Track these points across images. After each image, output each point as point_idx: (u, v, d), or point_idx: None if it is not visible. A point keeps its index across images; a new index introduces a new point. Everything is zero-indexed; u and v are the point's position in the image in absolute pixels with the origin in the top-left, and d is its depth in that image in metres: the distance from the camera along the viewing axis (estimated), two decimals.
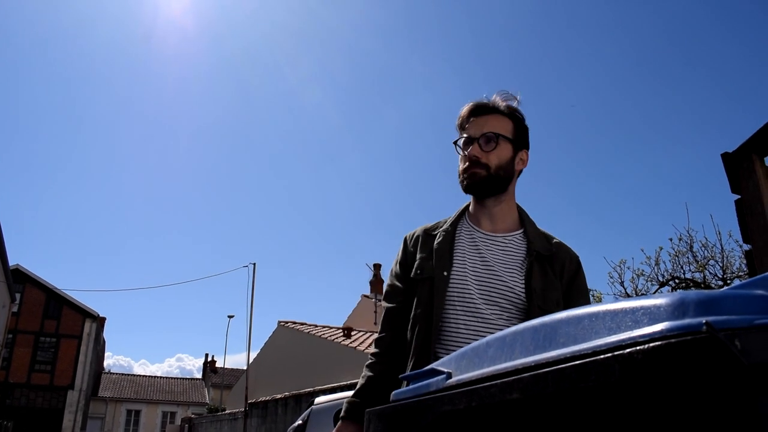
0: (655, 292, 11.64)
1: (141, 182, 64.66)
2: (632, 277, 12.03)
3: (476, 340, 1.53)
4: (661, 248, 11.75)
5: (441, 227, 1.75)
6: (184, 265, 65.56)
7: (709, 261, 11.04)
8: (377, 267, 26.77)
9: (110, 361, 64.67)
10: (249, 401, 17.93)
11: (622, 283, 12.01)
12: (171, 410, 41.09)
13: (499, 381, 0.83)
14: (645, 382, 0.63)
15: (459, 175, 1.69)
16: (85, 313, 35.41)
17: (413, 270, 1.70)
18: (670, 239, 11.57)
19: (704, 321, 0.56)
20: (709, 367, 0.57)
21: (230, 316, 31.38)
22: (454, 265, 1.64)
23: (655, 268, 11.67)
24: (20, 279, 33.25)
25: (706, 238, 11.70)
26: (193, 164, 67.21)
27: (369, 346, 16.47)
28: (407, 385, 1.18)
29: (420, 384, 1.14)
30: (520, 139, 1.70)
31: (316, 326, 20.83)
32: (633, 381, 0.64)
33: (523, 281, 1.58)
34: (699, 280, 11.17)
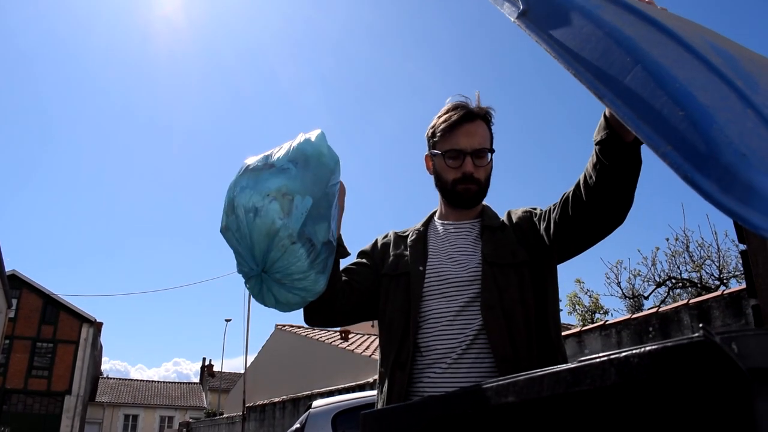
0: (651, 293, 11.65)
1: (137, 186, 64.57)
2: (629, 278, 12.06)
3: (449, 322, 1.59)
4: (658, 248, 11.76)
5: (413, 229, 1.85)
6: (180, 268, 65.44)
7: (705, 261, 11.05)
8: None
9: (106, 365, 64.41)
10: (247, 405, 17.86)
11: (619, 284, 12.02)
12: (169, 415, 40.95)
13: (494, 384, 0.83)
14: (641, 387, 0.63)
15: (446, 183, 1.74)
16: (82, 318, 35.28)
17: (386, 266, 1.77)
18: (667, 239, 11.58)
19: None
20: (706, 372, 0.57)
21: (227, 320, 31.22)
22: (429, 260, 1.72)
23: (652, 268, 11.68)
24: (17, 284, 33.10)
25: (702, 238, 11.71)
26: (189, 167, 67.15)
27: (366, 349, 16.46)
28: None
29: None
30: (492, 143, 1.76)
31: (314, 329, 20.78)
32: (629, 385, 0.63)
33: (479, 254, 1.67)
34: (696, 280, 11.19)
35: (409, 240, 1.80)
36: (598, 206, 1.42)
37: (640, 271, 12.08)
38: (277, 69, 69.21)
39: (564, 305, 12.48)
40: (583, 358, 0.71)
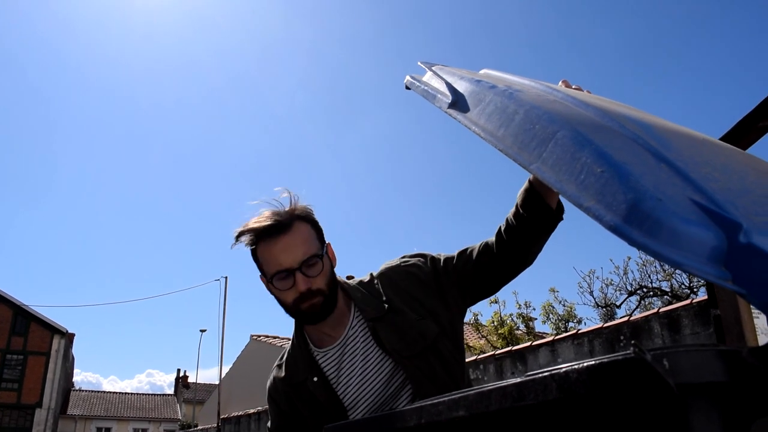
0: (623, 302, 11.81)
1: (110, 196, 63.90)
2: (601, 287, 12.22)
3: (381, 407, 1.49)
4: (630, 258, 11.95)
5: (299, 375, 1.64)
6: (154, 279, 64.77)
7: (675, 270, 11.24)
8: (349, 278, 26.72)
9: (78, 377, 63.37)
10: (222, 416, 17.70)
11: (591, 293, 12.17)
12: (142, 427, 40.39)
13: (446, 398, 0.84)
14: (580, 401, 0.65)
15: (288, 307, 1.55)
16: (53, 330, 34.74)
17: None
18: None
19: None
20: (638, 387, 0.59)
21: (202, 331, 31.11)
22: (345, 399, 1.56)
23: (624, 277, 11.86)
24: None
25: None
26: (163, 176, 66.63)
27: None
28: None
29: None
30: (322, 238, 1.59)
31: (289, 339, 20.67)
32: (569, 400, 0.65)
33: (386, 356, 1.54)
34: (666, 289, 11.37)
35: (311, 394, 1.60)
36: (512, 255, 1.50)
37: (612, 280, 12.28)
38: (258, 77, 69.19)
39: (538, 314, 12.60)
40: (529, 373, 0.73)
